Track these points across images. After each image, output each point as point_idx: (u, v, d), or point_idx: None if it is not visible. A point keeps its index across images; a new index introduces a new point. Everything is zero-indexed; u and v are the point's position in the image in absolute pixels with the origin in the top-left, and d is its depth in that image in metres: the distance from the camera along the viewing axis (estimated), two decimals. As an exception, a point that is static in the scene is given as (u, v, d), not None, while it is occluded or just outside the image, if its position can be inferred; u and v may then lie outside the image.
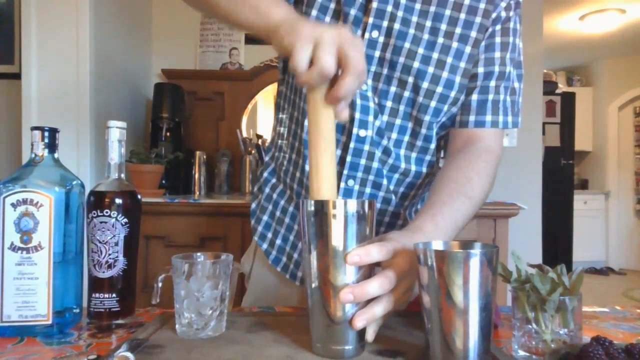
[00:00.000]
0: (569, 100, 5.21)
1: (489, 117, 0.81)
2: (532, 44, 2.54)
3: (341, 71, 0.56)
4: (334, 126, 0.60)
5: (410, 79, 0.78)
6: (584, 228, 5.63)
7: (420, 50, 0.77)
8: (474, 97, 0.81)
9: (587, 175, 6.35)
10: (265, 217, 0.94)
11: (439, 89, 0.78)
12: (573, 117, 5.23)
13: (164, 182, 2.17)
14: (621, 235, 5.97)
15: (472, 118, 0.82)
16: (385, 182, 0.83)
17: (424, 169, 0.85)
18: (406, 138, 0.82)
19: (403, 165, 0.83)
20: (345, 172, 0.81)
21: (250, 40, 2.61)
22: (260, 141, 2.53)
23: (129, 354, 0.49)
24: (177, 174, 2.34)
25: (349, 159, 0.80)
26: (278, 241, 0.91)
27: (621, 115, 6.05)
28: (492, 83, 0.81)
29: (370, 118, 0.79)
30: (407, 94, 0.79)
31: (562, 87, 5.75)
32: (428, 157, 0.85)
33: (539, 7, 2.63)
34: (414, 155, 0.83)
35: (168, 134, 2.30)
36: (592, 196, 5.98)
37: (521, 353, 0.54)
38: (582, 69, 6.29)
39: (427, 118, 0.80)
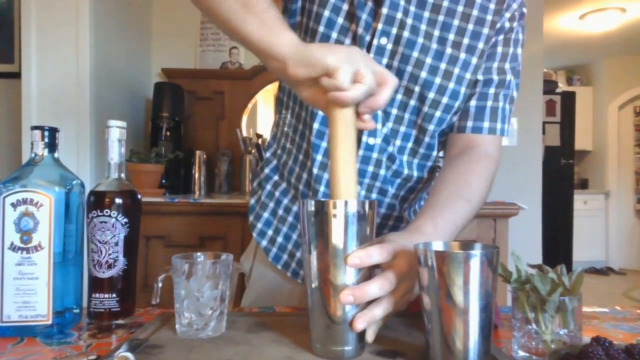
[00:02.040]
0: (569, 99, 5.20)
1: (486, 124, 0.81)
2: (532, 44, 2.53)
3: (380, 86, 0.58)
4: (356, 144, 0.61)
5: (417, 88, 0.78)
6: (584, 228, 5.63)
7: (428, 60, 0.77)
8: (472, 103, 0.81)
9: (587, 175, 6.35)
10: (265, 214, 0.93)
11: (445, 100, 0.78)
12: (573, 116, 5.23)
13: (164, 181, 2.17)
14: (621, 235, 5.97)
15: (469, 124, 0.82)
16: (390, 188, 0.83)
17: (425, 175, 0.86)
18: (409, 145, 0.83)
19: (406, 171, 0.83)
20: None
21: (250, 39, 2.61)
22: (260, 140, 2.53)
23: (129, 354, 0.49)
24: (177, 173, 2.34)
25: (357, 165, 0.80)
26: (280, 239, 0.91)
27: (621, 114, 6.04)
28: (492, 90, 0.81)
29: (379, 126, 0.79)
30: (412, 102, 0.79)
31: (562, 87, 5.75)
32: (429, 164, 0.86)
33: (539, 6, 2.63)
34: (416, 161, 0.84)
35: (168, 133, 2.30)
36: (592, 196, 5.97)
37: (521, 353, 0.54)
38: (582, 68, 6.28)
39: (431, 127, 0.80)
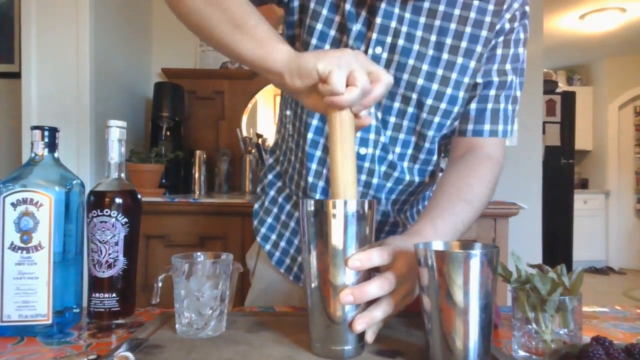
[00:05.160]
0: (569, 99, 5.20)
1: (487, 127, 0.80)
2: (532, 44, 2.52)
3: (373, 83, 0.58)
4: (354, 145, 0.61)
5: (414, 96, 0.77)
6: (584, 228, 5.63)
7: (425, 67, 0.76)
8: (473, 106, 0.80)
9: (587, 175, 6.35)
10: (269, 220, 0.95)
11: (443, 105, 0.78)
12: (573, 116, 5.22)
13: (164, 181, 2.17)
14: (621, 235, 5.96)
15: (470, 127, 0.81)
16: (383, 197, 0.83)
17: (427, 179, 0.86)
18: (409, 151, 0.82)
19: (407, 178, 0.83)
20: None
21: (250, 39, 2.60)
22: (260, 140, 2.53)
23: (129, 354, 0.49)
24: (177, 173, 2.34)
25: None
26: (282, 243, 0.92)
27: (621, 114, 6.04)
28: (492, 92, 0.80)
29: (371, 136, 0.79)
30: (410, 109, 0.79)
31: (562, 87, 5.75)
32: (430, 168, 0.85)
33: (539, 7, 2.63)
34: (417, 167, 0.84)
35: (168, 133, 2.30)
36: (592, 196, 5.97)
37: (521, 353, 0.54)
38: (582, 68, 6.28)
39: (430, 133, 0.80)
